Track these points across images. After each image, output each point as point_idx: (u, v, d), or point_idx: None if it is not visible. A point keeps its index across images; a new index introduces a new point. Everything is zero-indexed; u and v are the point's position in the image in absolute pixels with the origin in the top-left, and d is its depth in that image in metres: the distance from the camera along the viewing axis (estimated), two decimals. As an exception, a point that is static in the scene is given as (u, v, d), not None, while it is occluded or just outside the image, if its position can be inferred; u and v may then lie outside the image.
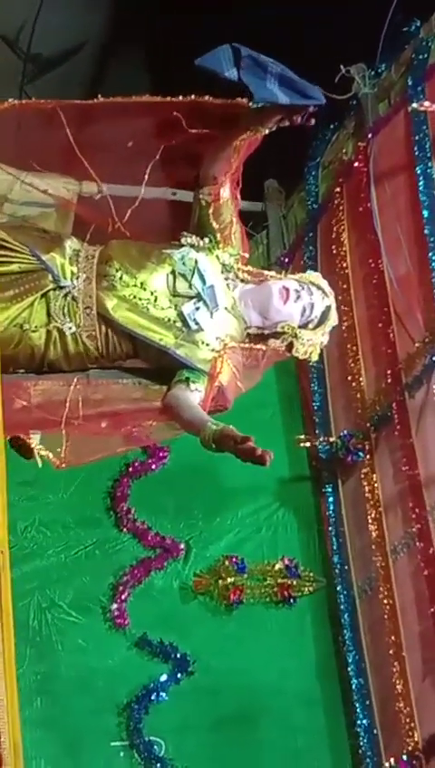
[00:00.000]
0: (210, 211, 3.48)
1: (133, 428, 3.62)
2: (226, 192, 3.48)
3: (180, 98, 3.36)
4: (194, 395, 3.35)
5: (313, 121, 3.32)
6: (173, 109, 3.36)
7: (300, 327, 3.51)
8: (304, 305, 3.50)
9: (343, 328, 5.46)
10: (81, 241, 3.53)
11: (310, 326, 3.53)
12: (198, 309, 3.38)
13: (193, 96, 3.36)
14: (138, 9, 6.62)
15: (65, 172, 3.92)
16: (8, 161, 3.59)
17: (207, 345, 3.41)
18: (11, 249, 3.36)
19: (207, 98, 3.37)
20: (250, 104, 3.28)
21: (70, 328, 3.36)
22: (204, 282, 3.39)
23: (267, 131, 3.37)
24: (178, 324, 3.39)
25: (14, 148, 3.50)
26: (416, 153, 5.05)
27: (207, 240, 3.50)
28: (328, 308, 3.57)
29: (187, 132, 3.38)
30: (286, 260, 6.35)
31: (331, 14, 5.34)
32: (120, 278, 3.38)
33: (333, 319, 3.61)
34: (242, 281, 3.55)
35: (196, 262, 3.41)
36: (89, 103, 3.44)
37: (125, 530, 5.64)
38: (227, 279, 3.49)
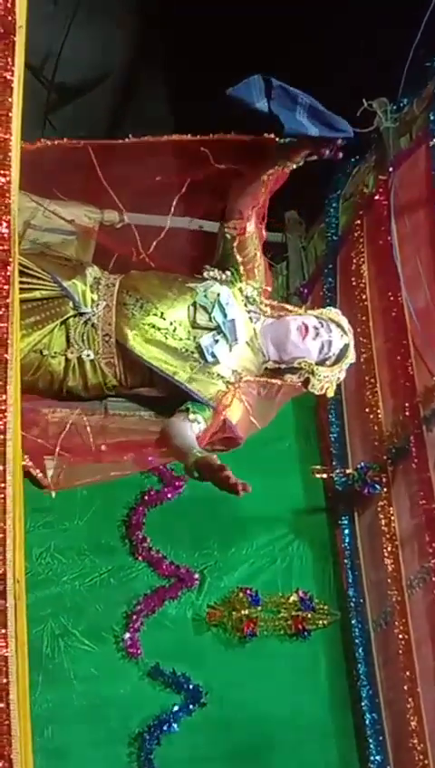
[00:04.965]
0: (235, 244, 3.49)
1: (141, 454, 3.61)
2: (251, 226, 3.48)
3: (209, 135, 3.38)
4: (193, 425, 3.35)
5: (340, 155, 3.33)
6: (200, 146, 3.37)
7: (317, 364, 3.51)
8: (323, 342, 3.50)
9: (362, 360, 5.45)
10: (101, 269, 3.56)
11: (327, 363, 3.53)
12: (217, 342, 3.39)
13: (219, 132, 3.38)
14: (161, 40, 6.68)
15: (87, 200, 3.95)
16: (31, 189, 3.61)
17: (221, 378, 3.41)
18: (33, 276, 3.38)
19: (232, 134, 3.39)
20: (278, 140, 3.29)
21: (88, 355, 3.38)
22: (225, 315, 3.39)
23: (295, 166, 3.38)
24: (195, 355, 3.39)
25: (38, 176, 3.52)
26: (436, 188, 5.06)
27: (229, 273, 3.50)
28: (346, 346, 3.56)
29: (214, 167, 3.39)
30: (305, 291, 6.36)
31: (354, 48, 5.38)
32: (141, 307, 3.39)
33: (351, 356, 3.60)
34: (264, 314, 3.55)
35: (217, 295, 3.42)
36: (118, 143, 3.45)
37: (140, 558, 5.61)
38: (249, 312, 3.50)
